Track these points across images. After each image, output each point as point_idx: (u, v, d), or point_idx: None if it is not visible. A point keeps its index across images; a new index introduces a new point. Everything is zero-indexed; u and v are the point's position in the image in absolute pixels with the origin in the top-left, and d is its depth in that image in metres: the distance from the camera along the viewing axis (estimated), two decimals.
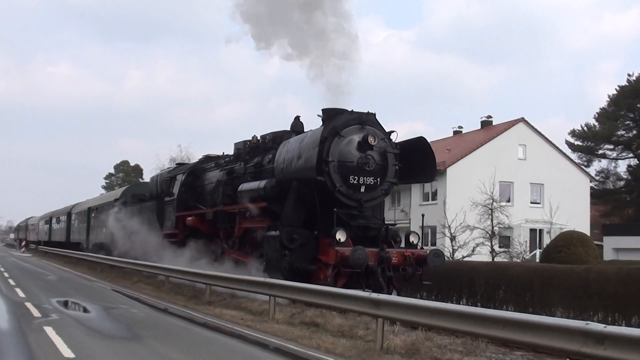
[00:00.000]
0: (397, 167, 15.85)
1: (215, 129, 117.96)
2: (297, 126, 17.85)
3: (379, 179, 15.58)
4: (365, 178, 15.35)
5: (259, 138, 19.24)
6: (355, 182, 15.29)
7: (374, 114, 15.96)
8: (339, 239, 14.44)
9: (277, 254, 15.50)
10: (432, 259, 14.67)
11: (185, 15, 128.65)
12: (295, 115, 18.05)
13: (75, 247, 41.25)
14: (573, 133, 55.19)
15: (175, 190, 24.17)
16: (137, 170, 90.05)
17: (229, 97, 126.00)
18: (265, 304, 13.80)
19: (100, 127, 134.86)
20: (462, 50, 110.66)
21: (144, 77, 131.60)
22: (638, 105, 48.81)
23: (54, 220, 53.52)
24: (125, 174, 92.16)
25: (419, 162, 16.05)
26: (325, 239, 15.41)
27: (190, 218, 22.47)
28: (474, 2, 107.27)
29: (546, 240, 31.11)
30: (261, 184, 17.01)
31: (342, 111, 15.73)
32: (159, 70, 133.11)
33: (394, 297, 10.78)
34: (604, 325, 6.87)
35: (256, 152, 19.14)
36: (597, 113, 53.52)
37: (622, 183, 53.26)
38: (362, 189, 15.43)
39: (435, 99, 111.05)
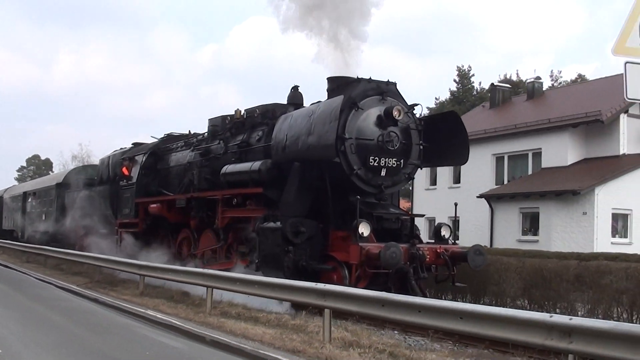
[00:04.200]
0: (421, 147, 13.37)
1: (146, 117, 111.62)
2: (296, 98, 15.09)
3: (402, 161, 13.06)
4: (387, 159, 12.81)
5: (243, 112, 16.42)
6: (375, 164, 12.73)
7: (395, 84, 13.41)
8: (362, 233, 11.88)
9: (277, 250, 12.81)
10: (473, 258, 12.21)
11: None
12: (293, 85, 15.22)
13: (9, 235, 37.33)
14: None
15: (134, 173, 21.12)
16: (47, 164, 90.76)
17: (161, 85, 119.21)
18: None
19: (29, 113, 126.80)
20: (396, 43, 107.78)
21: (75, 62, 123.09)
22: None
23: None
24: (37, 167, 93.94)
25: (448, 141, 13.51)
26: (337, 232, 12.87)
27: (154, 205, 19.50)
28: None
29: None
30: (254, 165, 14.26)
31: (357, 79, 13.13)
32: (90, 55, 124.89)
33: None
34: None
35: (240, 129, 16.30)
36: None
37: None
38: (383, 173, 12.88)
39: None
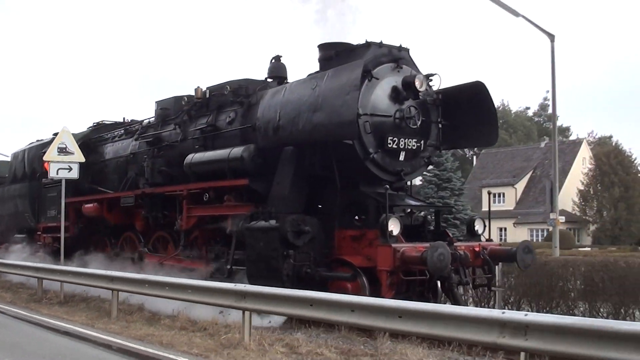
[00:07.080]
0: (440, 125, 11.16)
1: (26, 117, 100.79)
2: (279, 70, 12.48)
3: (422, 142, 10.81)
4: (406, 140, 10.53)
5: (204, 90, 13.72)
6: (394, 146, 10.42)
7: (408, 50, 11.13)
8: (391, 232, 9.56)
9: (274, 254, 10.30)
10: (523, 257, 10.06)
11: None
12: (274, 56, 12.56)
13: None
14: None
15: None
16: None
17: (50, 78, 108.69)
18: None
19: None
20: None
21: None
22: None
23: None
24: None
25: (470, 118, 11.29)
26: (345, 231, 10.52)
27: (89, 205, 16.49)
28: None
29: None
30: (234, 152, 11.66)
31: (366, 44, 10.77)
32: None
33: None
34: None
35: (201, 111, 13.61)
36: None
37: None
38: (401, 157, 10.60)
39: None
